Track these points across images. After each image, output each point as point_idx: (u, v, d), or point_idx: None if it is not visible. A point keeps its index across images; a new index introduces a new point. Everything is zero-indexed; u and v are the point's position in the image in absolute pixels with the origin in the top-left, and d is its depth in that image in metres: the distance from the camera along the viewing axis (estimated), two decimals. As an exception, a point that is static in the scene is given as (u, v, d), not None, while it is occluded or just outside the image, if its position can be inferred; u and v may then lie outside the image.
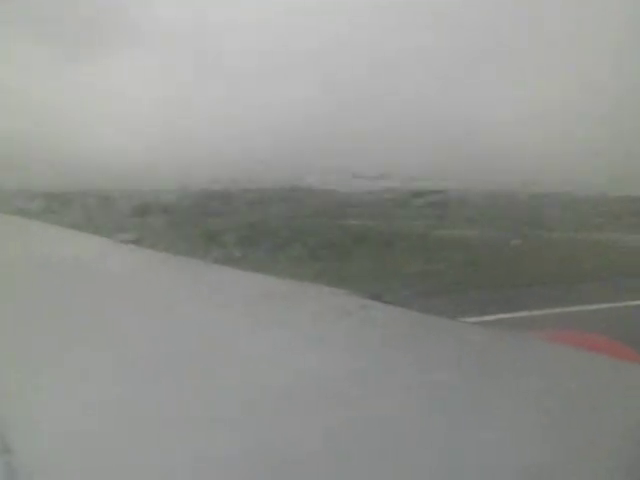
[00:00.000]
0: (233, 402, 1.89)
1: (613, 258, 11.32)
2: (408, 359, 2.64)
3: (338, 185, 7.94)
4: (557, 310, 8.81)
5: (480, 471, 1.44)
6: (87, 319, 2.95)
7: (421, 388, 2.12)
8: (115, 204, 9.50)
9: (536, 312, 8.71)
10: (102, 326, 2.76)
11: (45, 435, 1.52)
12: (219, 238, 9.03)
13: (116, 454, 1.45)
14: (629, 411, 1.76)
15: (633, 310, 9.10)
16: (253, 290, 4.31)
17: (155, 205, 9.16)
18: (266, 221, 10.38)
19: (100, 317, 3.04)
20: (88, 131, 10.99)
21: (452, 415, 1.85)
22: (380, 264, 9.03)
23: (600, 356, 2.97)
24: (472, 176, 8.99)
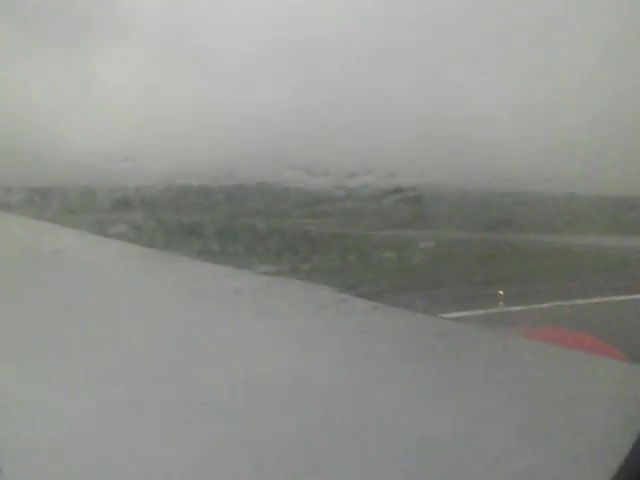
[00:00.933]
0: (212, 392, 2.00)
1: (583, 258, 11.56)
2: (384, 351, 2.77)
3: (313, 182, 8.06)
4: (531, 306, 9.01)
5: (452, 457, 1.58)
6: (68, 312, 3.05)
7: (397, 379, 2.26)
8: (97, 198, 9.57)
9: (512, 308, 8.90)
10: (82, 319, 2.86)
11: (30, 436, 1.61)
12: (198, 231, 9.14)
13: (101, 446, 1.54)
14: (599, 403, 1.89)
15: (601, 306, 9.37)
16: (231, 283, 4.41)
17: (137, 199, 9.24)
18: (245, 216, 10.50)
19: (81, 310, 3.15)
20: (69, 124, 11.03)
21: (427, 404, 1.99)
22: (355, 259, 9.18)
23: (576, 351, 3.10)
24: (451, 173, 9.16)
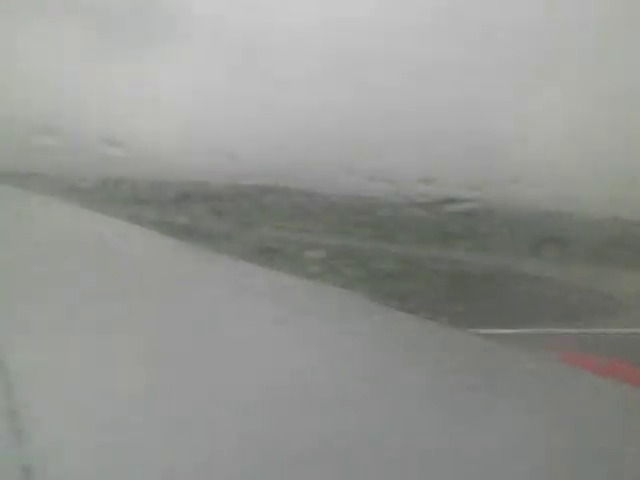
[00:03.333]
0: (237, 392, 2.01)
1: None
2: (411, 363, 2.75)
3: (373, 188, 8.19)
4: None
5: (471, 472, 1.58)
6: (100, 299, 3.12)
7: (425, 392, 2.25)
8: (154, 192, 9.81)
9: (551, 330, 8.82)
10: (114, 307, 2.91)
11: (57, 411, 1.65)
12: (254, 231, 9.31)
13: (118, 427, 1.58)
14: (627, 434, 1.90)
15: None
16: (265, 284, 4.44)
17: (198, 194, 9.46)
18: (298, 220, 10.60)
19: (113, 298, 3.21)
20: (140, 120, 11.27)
21: (453, 418, 1.98)
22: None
23: (607, 380, 3.05)
24: (502, 188, 9.22)
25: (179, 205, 9.68)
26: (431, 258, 10.45)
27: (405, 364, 2.56)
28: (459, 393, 2.08)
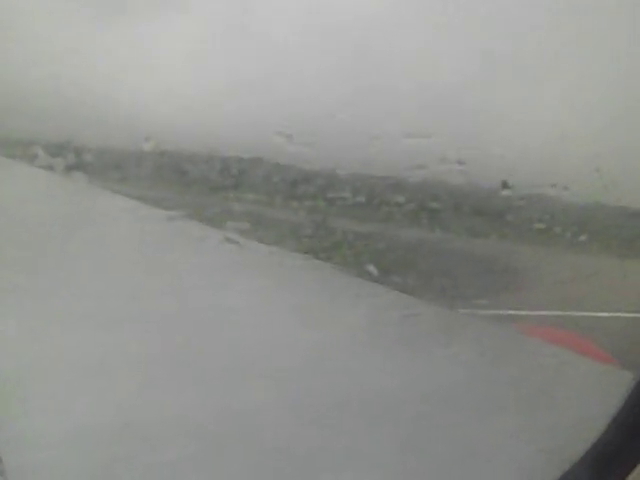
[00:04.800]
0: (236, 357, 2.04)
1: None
2: (396, 341, 2.83)
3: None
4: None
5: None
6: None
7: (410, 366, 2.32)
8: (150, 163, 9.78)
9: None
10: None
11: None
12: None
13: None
14: (576, 402, 1.94)
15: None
16: (266, 261, 4.46)
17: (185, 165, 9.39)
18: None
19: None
20: (120, 89, 11.23)
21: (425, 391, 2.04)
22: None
23: (568, 351, 3.14)
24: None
25: (162, 176, 9.64)
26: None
27: (383, 339, 2.64)
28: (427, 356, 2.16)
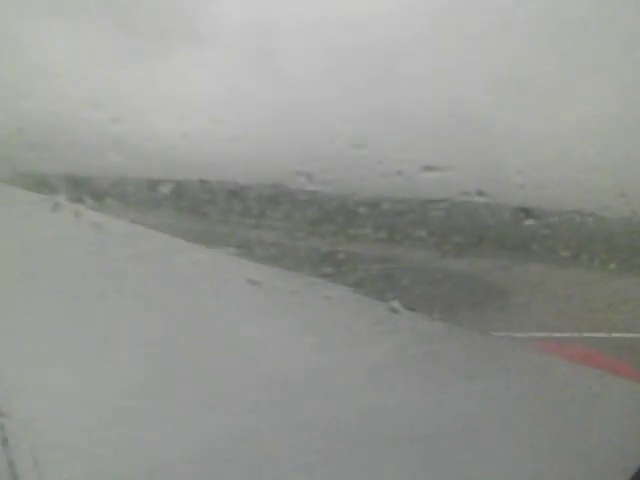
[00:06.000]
0: (225, 384, 2.11)
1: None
2: (389, 353, 2.84)
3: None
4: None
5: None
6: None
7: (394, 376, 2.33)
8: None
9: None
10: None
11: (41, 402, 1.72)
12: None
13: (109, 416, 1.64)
14: (606, 422, 1.93)
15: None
16: (246, 275, 4.49)
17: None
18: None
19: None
20: (143, 124, 11.35)
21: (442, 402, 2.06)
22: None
23: (594, 370, 3.12)
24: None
25: (186, 203, 9.74)
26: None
27: (376, 352, 2.67)
28: (443, 376, 2.18)
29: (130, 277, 3.99)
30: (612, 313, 8.87)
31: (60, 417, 1.70)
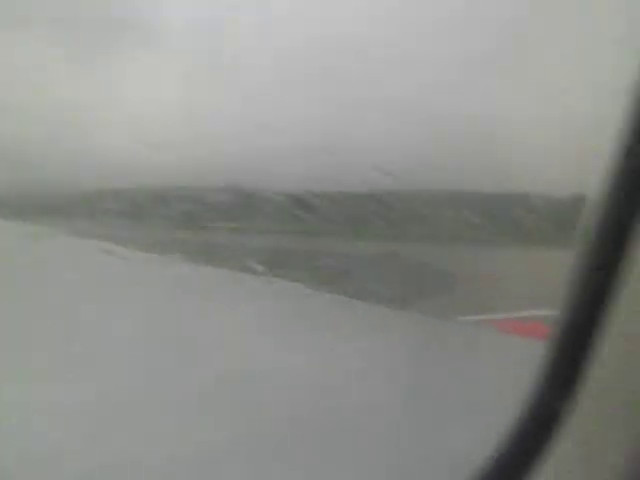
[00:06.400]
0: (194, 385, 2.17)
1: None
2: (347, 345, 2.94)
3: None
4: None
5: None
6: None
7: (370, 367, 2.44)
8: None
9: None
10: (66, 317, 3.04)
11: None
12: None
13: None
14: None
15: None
16: (207, 280, 4.47)
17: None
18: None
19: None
20: (97, 131, 11.22)
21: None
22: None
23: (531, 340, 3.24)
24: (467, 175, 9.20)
25: (139, 211, 9.75)
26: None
27: (341, 347, 2.74)
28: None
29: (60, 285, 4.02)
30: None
31: None
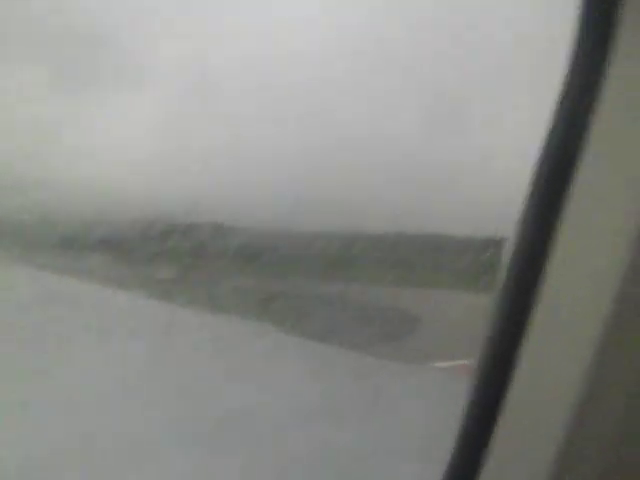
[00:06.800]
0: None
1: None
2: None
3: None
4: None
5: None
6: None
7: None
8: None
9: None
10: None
11: None
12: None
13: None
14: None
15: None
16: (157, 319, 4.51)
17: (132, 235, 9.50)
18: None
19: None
20: (80, 161, 11.27)
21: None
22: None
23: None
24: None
25: (122, 248, 9.77)
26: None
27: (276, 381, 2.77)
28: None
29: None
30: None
31: None
